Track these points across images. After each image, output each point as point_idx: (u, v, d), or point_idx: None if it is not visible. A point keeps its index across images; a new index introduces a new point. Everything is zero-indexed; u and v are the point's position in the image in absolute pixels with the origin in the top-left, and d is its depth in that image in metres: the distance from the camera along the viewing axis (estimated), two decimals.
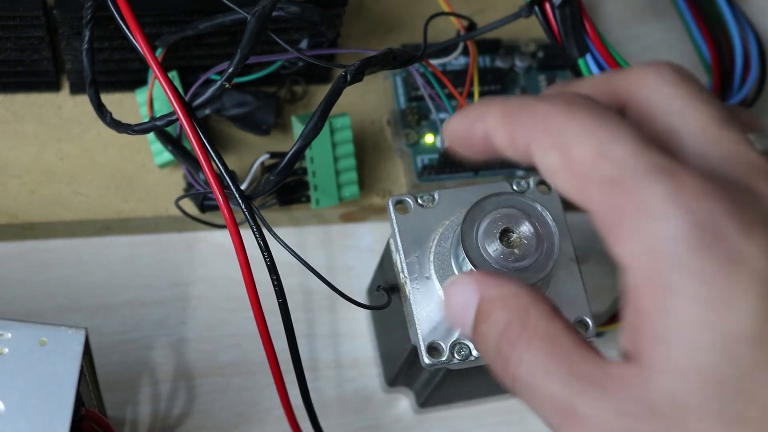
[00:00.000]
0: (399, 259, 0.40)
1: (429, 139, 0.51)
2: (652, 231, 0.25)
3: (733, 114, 0.27)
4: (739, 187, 0.25)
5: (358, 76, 0.39)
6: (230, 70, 0.38)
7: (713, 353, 0.24)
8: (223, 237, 0.50)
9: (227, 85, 0.38)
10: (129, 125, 0.40)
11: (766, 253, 0.24)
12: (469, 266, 0.37)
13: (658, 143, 0.26)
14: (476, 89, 0.49)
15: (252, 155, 0.49)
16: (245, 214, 0.38)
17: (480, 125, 0.28)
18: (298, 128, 0.47)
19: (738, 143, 0.27)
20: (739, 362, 0.24)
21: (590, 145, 0.26)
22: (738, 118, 0.28)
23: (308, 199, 0.48)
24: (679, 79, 0.28)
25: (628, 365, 0.26)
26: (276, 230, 0.39)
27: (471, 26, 0.49)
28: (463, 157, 0.30)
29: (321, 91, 0.52)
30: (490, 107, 0.28)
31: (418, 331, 0.39)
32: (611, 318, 0.50)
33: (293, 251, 0.39)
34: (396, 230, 0.40)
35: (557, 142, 0.26)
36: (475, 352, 0.38)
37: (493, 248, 0.37)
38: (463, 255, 0.37)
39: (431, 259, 0.39)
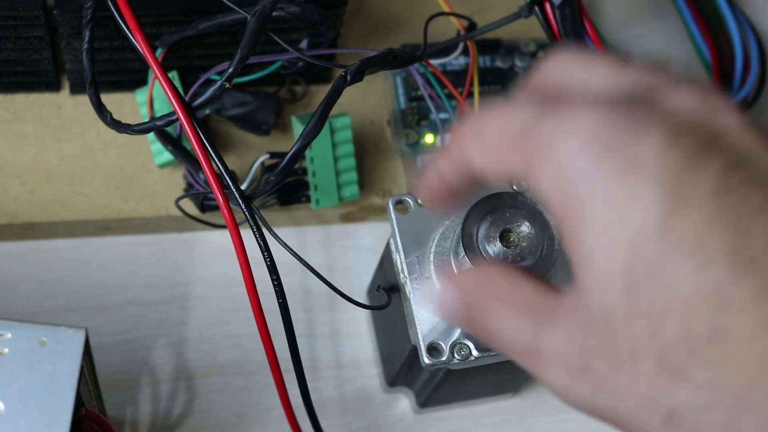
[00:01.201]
0: (399, 259, 0.40)
1: (429, 139, 0.51)
2: (553, 161, 0.27)
3: (631, 60, 0.29)
4: (634, 100, 0.27)
5: (358, 76, 0.39)
6: (230, 70, 0.38)
7: (625, 254, 0.25)
8: (223, 237, 0.50)
9: (227, 85, 0.38)
10: (129, 125, 0.40)
11: (657, 151, 0.25)
12: (469, 266, 0.37)
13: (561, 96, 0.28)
14: (476, 89, 0.49)
15: (252, 155, 0.49)
16: (245, 214, 0.38)
17: (433, 174, 0.31)
18: (298, 128, 0.47)
19: (637, 73, 0.28)
20: (649, 256, 0.25)
21: (497, 123, 0.28)
22: (644, 59, 0.30)
23: (308, 199, 0.48)
24: (571, 54, 0.30)
25: (570, 291, 0.28)
26: (276, 230, 0.39)
27: (471, 26, 0.49)
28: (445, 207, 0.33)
29: (321, 91, 0.52)
30: (434, 160, 0.31)
31: (418, 331, 0.39)
32: None
33: (293, 251, 0.39)
34: (396, 230, 0.40)
35: (478, 138, 0.29)
36: (475, 352, 0.38)
37: (493, 248, 0.37)
38: (463, 255, 0.37)
39: (431, 259, 0.39)
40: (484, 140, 0.29)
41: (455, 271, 0.35)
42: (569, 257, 0.27)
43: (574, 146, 0.26)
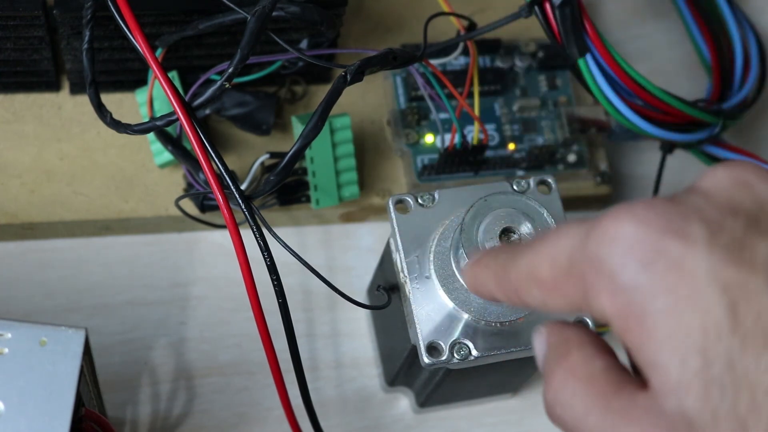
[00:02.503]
0: (399, 258, 0.40)
1: (429, 139, 0.51)
2: (606, 278, 0.26)
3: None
4: (674, 194, 0.27)
5: (358, 76, 0.39)
6: (230, 70, 0.38)
7: (698, 356, 0.25)
8: (223, 237, 0.50)
9: (227, 85, 0.38)
10: (129, 125, 0.40)
11: (707, 245, 0.25)
12: (467, 262, 0.37)
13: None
14: (476, 89, 0.49)
15: (252, 155, 0.49)
16: (245, 214, 0.38)
17: (485, 290, 0.33)
18: (298, 128, 0.47)
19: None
20: (723, 353, 0.25)
21: (546, 260, 0.29)
22: None
23: (308, 199, 0.48)
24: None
25: (646, 393, 0.27)
26: (276, 230, 0.39)
27: (471, 26, 0.49)
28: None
29: (321, 91, 0.52)
30: (488, 273, 0.32)
31: (418, 331, 0.39)
32: None
33: (293, 251, 0.39)
34: (396, 230, 0.40)
35: (529, 278, 0.29)
36: (474, 352, 0.38)
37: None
38: (462, 254, 0.37)
39: (431, 258, 0.39)
40: (540, 281, 0.29)
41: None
42: (638, 365, 0.27)
43: (620, 255, 0.26)
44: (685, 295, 0.25)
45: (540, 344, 0.31)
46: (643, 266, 0.26)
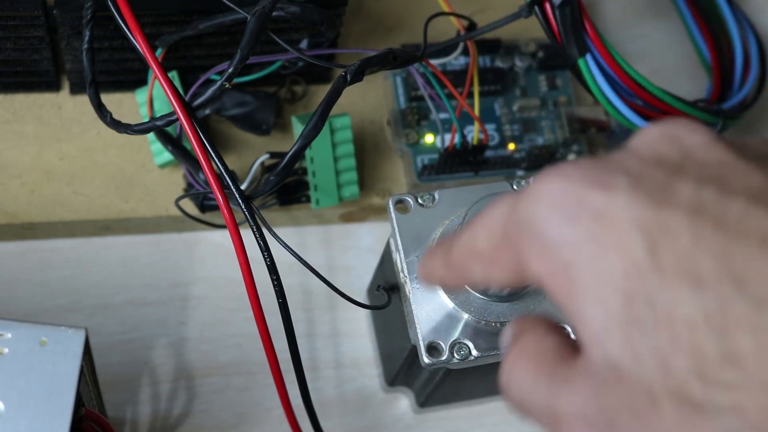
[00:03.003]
0: (399, 258, 0.40)
1: (429, 139, 0.51)
2: (532, 237, 0.27)
3: None
4: (603, 159, 0.27)
5: (358, 76, 0.39)
6: (230, 70, 0.38)
7: (617, 298, 0.25)
8: (223, 237, 0.50)
9: (227, 85, 0.38)
10: (129, 125, 0.40)
11: (629, 189, 0.25)
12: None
13: None
14: (476, 89, 0.49)
15: (252, 155, 0.49)
16: (245, 214, 0.38)
17: (435, 275, 0.32)
18: (298, 128, 0.47)
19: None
20: (642, 292, 0.25)
21: (482, 232, 0.29)
22: None
23: (308, 199, 0.48)
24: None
25: (581, 353, 0.27)
26: (276, 230, 0.39)
27: (471, 26, 0.49)
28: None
29: (321, 91, 0.52)
30: (433, 261, 0.32)
31: (418, 331, 0.39)
32: None
33: (293, 251, 0.39)
34: (396, 230, 0.40)
35: (472, 256, 0.30)
36: (474, 352, 0.38)
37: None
38: None
39: None
40: (480, 256, 0.29)
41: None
42: (571, 326, 0.27)
43: (545, 212, 0.26)
44: (606, 241, 0.25)
45: (505, 337, 0.31)
46: (566, 219, 0.26)
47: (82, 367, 0.35)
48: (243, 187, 0.46)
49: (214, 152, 0.37)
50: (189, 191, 0.48)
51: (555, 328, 0.30)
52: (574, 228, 0.26)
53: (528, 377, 0.29)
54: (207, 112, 0.49)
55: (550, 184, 0.26)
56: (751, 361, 0.24)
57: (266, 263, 0.38)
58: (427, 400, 0.46)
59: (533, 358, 0.29)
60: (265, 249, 0.38)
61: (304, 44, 0.47)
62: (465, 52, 0.51)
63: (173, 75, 0.48)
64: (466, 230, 0.30)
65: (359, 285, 0.50)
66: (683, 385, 0.24)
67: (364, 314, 0.50)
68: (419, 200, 0.40)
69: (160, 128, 0.39)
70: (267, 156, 0.47)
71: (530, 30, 0.50)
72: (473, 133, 0.50)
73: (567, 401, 0.27)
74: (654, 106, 0.46)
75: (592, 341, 0.26)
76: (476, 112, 0.49)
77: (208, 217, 0.48)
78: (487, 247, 0.29)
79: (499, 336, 0.31)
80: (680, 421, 0.24)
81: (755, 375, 0.24)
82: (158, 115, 0.40)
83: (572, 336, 0.29)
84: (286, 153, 0.39)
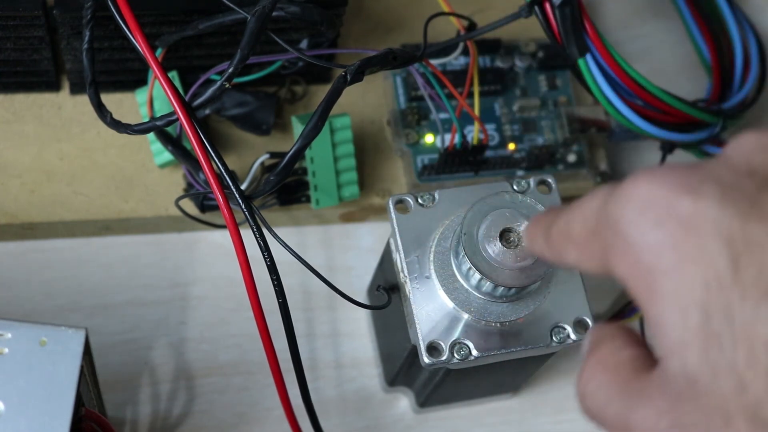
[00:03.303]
0: (399, 258, 0.40)
1: (429, 139, 0.51)
2: (619, 237, 0.27)
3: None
4: (696, 166, 0.27)
5: (358, 76, 0.39)
6: (230, 70, 0.38)
7: (698, 310, 0.25)
8: (223, 237, 0.50)
9: (227, 85, 0.38)
10: (129, 125, 0.40)
11: (718, 201, 0.25)
12: (469, 265, 0.37)
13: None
14: (476, 89, 0.49)
15: (252, 155, 0.49)
16: (245, 214, 0.38)
17: (536, 245, 0.33)
18: (298, 128, 0.47)
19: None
20: (723, 305, 0.24)
21: (578, 219, 0.29)
22: None
23: (308, 199, 0.48)
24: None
25: (656, 366, 0.27)
26: (276, 230, 0.39)
27: (471, 26, 0.49)
28: None
29: (321, 91, 0.52)
30: (536, 229, 0.33)
31: (418, 331, 0.39)
32: (612, 317, 0.50)
33: (293, 251, 0.39)
34: (396, 230, 0.40)
35: (567, 239, 0.30)
36: (474, 352, 0.38)
37: (492, 248, 0.37)
38: (463, 254, 0.37)
39: (431, 258, 0.39)
40: (574, 241, 0.29)
41: None
42: (650, 331, 0.27)
43: (633, 215, 0.26)
44: (690, 250, 0.25)
45: (584, 344, 0.31)
46: (653, 225, 0.26)
47: (82, 367, 0.35)
48: (243, 187, 0.46)
49: (214, 152, 0.37)
50: (189, 191, 0.48)
51: (633, 339, 0.30)
52: (660, 234, 0.26)
53: (603, 390, 0.29)
54: (207, 112, 0.49)
55: (641, 186, 0.27)
56: None
57: (266, 263, 0.38)
58: (427, 400, 0.46)
59: (610, 370, 0.29)
60: (265, 249, 0.38)
61: (304, 44, 0.47)
62: (465, 52, 0.51)
63: (173, 75, 0.48)
64: (567, 212, 0.30)
65: (359, 285, 0.50)
66: (759, 406, 0.24)
67: (364, 314, 0.50)
68: (419, 200, 0.40)
69: (160, 128, 0.39)
70: (267, 156, 0.47)
71: (530, 30, 0.50)
72: (473, 133, 0.50)
73: (641, 415, 0.27)
74: (654, 106, 0.46)
75: (670, 352, 0.26)
76: (476, 112, 0.49)
77: (208, 217, 0.48)
78: (580, 235, 0.29)
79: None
80: None
81: None
82: (158, 115, 0.40)
83: (649, 348, 0.29)
84: (286, 153, 0.39)
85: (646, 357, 0.28)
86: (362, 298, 0.49)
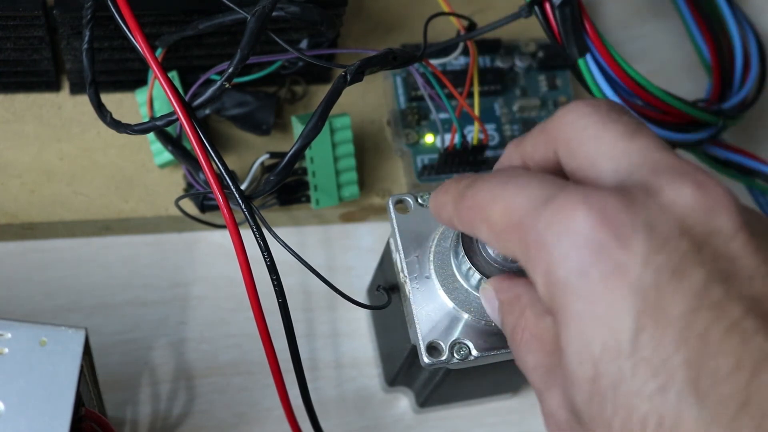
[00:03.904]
0: (399, 258, 0.40)
1: (429, 139, 0.51)
2: (546, 260, 0.27)
3: (642, 125, 0.30)
4: (633, 191, 0.27)
5: (358, 76, 0.39)
6: (230, 70, 0.38)
7: (594, 365, 0.26)
8: (223, 237, 0.50)
9: (227, 85, 0.38)
10: (129, 125, 0.40)
11: (643, 261, 0.26)
12: (469, 265, 0.37)
13: (574, 178, 0.30)
14: (476, 89, 0.49)
15: (252, 155, 0.49)
16: (245, 214, 0.38)
17: (444, 214, 0.33)
18: (298, 128, 0.47)
19: (644, 148, 0.29)
20: (615, 372, 0.26)
21: (499, 205, 0.29)
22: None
23: (308, 199, 0.48)
24: (591, 109, 0.30)
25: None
26: (276, 230, 0.39)
27: (471, 26, 0.49)
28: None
29: (321, 91, 0.52)
30: (446, 197, 0.33)
31: (418, 331, 0.39)
32: None
33: (293, 251, 0.39)
34: (396, 230, 0.40)
35: (481, 216, 0.30)
36: (474, 352, 0.38)
37: (492, 248, 0.37)
38: (462, 254, 0.37)
39: (431, 258, 0.39)
40: (489, 221, 0.30)
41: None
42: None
43: (565, 247, 0.27)
44: (602, 307, 0.26)
45: (491, 300, 0.34)
46: (578, 268, 0.26)
47: (82, 367, 0.35)
48: (243, 187, 0.46)
49: (214, 152, 0.37)
50: (189, 191, 0.48)
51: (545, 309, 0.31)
52: (582, 280, 0.26)
53: (532, 358, 0.31)
54: (207, 112, 0.49)
55: (578, 221, 0.27)
56: None
57: (266, 263, 0.38)
58: (427, 400, 0.46)
59: (535, 339, 0.31)
60: (265, 249, 0.38)
61: (304, 44, 0.47)
62: (465, 52, 0.51)
63: (173, 75, 0.48)
64: (486, 190, 0.30)
65: (359, 285, 0.50)
66: None
67: (364, 314, 0.50)
68: (419, 200, 0.40)
69: (160, 128, 0.39)
70: (267, 156, 0.47)
71: (530, 30, 0.50)
72: (473, 133, 0.50)
73: (550, 395, 0.29)
74: (654, 106, 0.46)
75: (567, 376, 0.27)
76: (476, 112, 0.49)
77: (208, 217, 0.48)
78: (499, 222, 0.29)
79: (482, 297, 0.34)
80: None
81: None
82: (158, 115, 0.40)
83: None
84: (286, 153, 0.39)
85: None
86: (362, 298, 0.49)
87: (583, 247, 0.26)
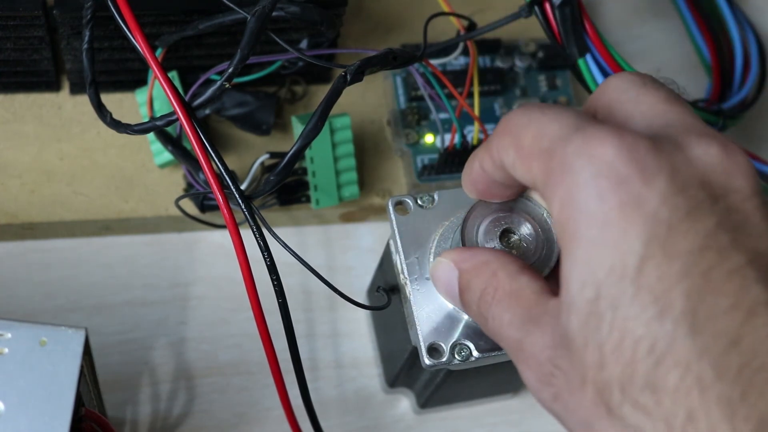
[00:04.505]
0: (399, 260, 0.40)
1: (429, 139, 0.51)
2: (566, 184, 0.28)
3: (679, 96, 0.31)
4: (661, 141, 0.28)
5: (358, 76, 0.39)
6: (230, 70, 0.38)
7: (595, 286, 0.27)
8: (223, 237, 0.50)
9: (227, 85, 0.38)
10: (129, 125, 0.40)
11: (661, 198, 0.27)
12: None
13: (598, 114, 0.31)
14: (476, 89, 0.49)
15: (252, 155, 0.49)
16: (245, 214, 0.38)
17: (475, 164, 0.34)
18: (298, 128, 0.47)
19: (679, 113, 0.30)
20: (615, 294, 0.27)
21: (532, 130, 0.30)
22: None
23: (308, 199, 0.48)
24: (635, 77, 0.32)
25: (555, 300, 0.30)
26: (276, 230, 0.39)
27: (471, 26, 0.49)
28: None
29: (321, 91, 0.52)
30: (479, 150, 0.33)
31: (419, 332, 0.38)
32: None
33: (293, 251, 0.39)
34: (396, 231, 0.40)
35: (512, 137, 0.31)
36: (475, 353, 0.38)
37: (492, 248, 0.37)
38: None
39: (431, 260, 0.39)
40: (519, 144, 0.30)
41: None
42: (560, 274, 0.29)
43: (589, 174, 0.28)
44: (613, 232, 0.27)
45: (447, 272, 0.34)
46: (598, 194, 0.27)
47: (82, 367, 0.35)
48: (243, 187, 0.46)
49: (214, 152, 0.37)
50: (189, 191, 0.48)
51: (523, 265, 0.32)
52: (600, 206, 0.27)
53: (507, 313, 0.31)
54: (207, 112, 0.49)
55: (607, 151, 0.28)
56: (667, 397, 0.26)
57: (266, 263, 0.38)
58: (427, 400, 0.46)
59: (513, 296, 0.31)
60: (265, 249, 0.38)
61: (304, 44, 0.47)
62: (465, 52, 0.51)
63: (173, 75, 0.48)
64: (522, 112, 0.31)
65: (359, 285, 0.50)
66: (607, 388, 0.27)
67: (364, 314, 0.50)
68: (419, 201, 0.40)
69: (160, 128, 0.39)
70: (267, 156, 0.47)
71: (530, 30, 0.50)
72: (473, 133, 0.50)
73: (531, 339, 0.30)
74: None
75: (564, 302, 0.28)
76: (476, 112, 0.49)
77: (208, 217, 0.48)
78: (527, 146, 0.30)
79: (434, 270, 0.35)
80: (592, 412, 0.27)
81: (665, 410, 0.26)
82: (158, 115, 0.40)
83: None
84: (286, 153, 0.39)
85: (544, 285, 0.31)
86: (362, 298, 0.49)
87: (607, 176, 0.27)
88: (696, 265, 0.26)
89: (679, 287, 0.26)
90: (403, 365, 0.44)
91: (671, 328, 0.26)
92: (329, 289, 0.40)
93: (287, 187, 0.48)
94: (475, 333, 0.39)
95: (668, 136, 0.29)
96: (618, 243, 0.27)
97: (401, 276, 0.40)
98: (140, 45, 0.38)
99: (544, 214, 0.37)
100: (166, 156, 0.47)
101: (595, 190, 0.27)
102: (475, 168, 0.34)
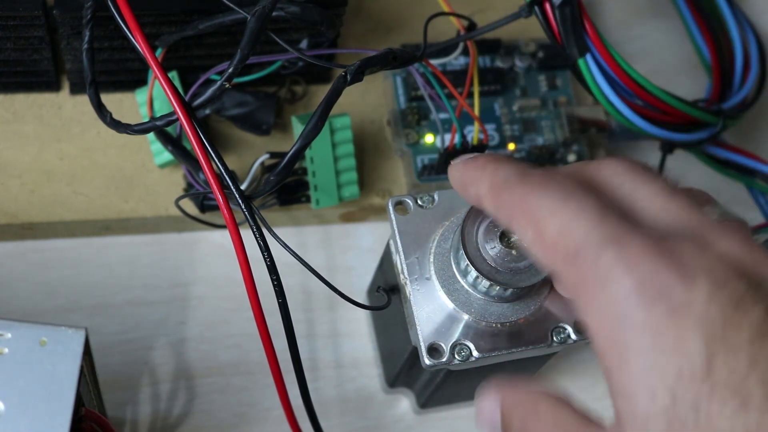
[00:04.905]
0: (399, 260, 0.40)
1: (429, 139, 0.51)
2: (606, 296, 0.28)
3: (678, 188, 0.31)
4: (686, 242, 0.29)
5: (358, 76, 0.39)
6: (230, 70, 0.38)
7: (668, 394, 0.27)
8: (223, 237, 0.50)
9: (227, 85, 0.38)
10: (129, 125, 0.40)
11: (707, 298, 0.27)
12: (469, 266, 0.37)
13: (618, 211, 0.30)
14: (476, 89, 0.49)
15: (252, 155, 0.49)
16: (245, 214, 0.38)
17: (472, 189, 0.33)
18: (298, 128, 0.47)
19: (683, 208, 0.30)
20: (692, 397, 0.27)
21: (556, 222, 0.29)
22: (689, 191, 0.31)
23: (308, 199, 0.48)
24: (630, 166, 0.32)
25: (612, 428, 0.29)
26: (276, 230, 0.39)
27: (471, 26, 0.49)
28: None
29: (321, 91, 0.52)
30: (483, 176, 0.33)
31: (419, 332, 0.38)
32: None
33: (293, 251, 0.39)
34: (396, 231, 0.40)
35: (531, 220, 0.30)
36: (475, 353, 0.38)
37: (492, 249, 0.37)
38: (463, 255, 0.37)
39: (431, 260, 0.39)
40: (540, 231, 0.30)
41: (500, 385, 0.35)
42: (609, 390, 0.28)
43: (628, 287, 0.28)
44: (670, 338, 0.27)
45: (492, 409, 0.33)
46: (643, 305, 0.27)
47: (82, 367, 0.35)
48: (243, 187, 0.46)
49: (214, 152, 0.37)
50: (189, 191, 0.48)
51: (563, 398, 0.31)
52: (647, 315, 0.27)
53: None
54: (207, 112, 0.49)
55: (642, 259, 0.28)
56: None
57: (266, 263, 0.38)
58: (427, 400, 0.46)
59: (559, 425, 0.31)
60: (265, 249, 0.38)
61: (304, 44, 0.47)
62: (465, 52, 0.51)
63: (173, 75, 0.48)
64: (541, 193, 0.30)
65: (359, 285, 0.50)
66: None
67: (364, 314, 0.50)
68: (419, 201, 0.40)
69: (160, 128, 0.39)
70: (267, 156, 0.47)
71: (530, 30, 0.50)
72: (473, 133, 0.50)
73: None
74: (654, 106, 0.46)
75: (634, 420, 0.28)
76: (476, 112, 0.49)
77: (208, 217, 0.48)
78: (552, 237, 0.29)
79: (479, 406, 0.33)
80: None
81: None
82: (158, 115, 0.40)
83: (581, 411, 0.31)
84: (286, 153, 0.39)
85: (584, 416, 0.30)
86: (362, 298, 0.49)
87: (648, 286, 0.27)
88: (760, 353, 0.27)
89: (753, 377, 0.26)
90: (403, 365, 0.44)
91: (757, 416, 0.26)
92: (329, 289, 0.40)
93: (287, 187, 0.48)
94: (475, 333, 0.39)
95: (688, 235, 0.29)
96: (678, 347, 0.27)
97: (401, 276, 0.40)
98: (140, 45, 0.38)
99: None
100: (166, 156, 0.47)
101: (638, 300, 0.27)
102: (471, 193, 0.33)
